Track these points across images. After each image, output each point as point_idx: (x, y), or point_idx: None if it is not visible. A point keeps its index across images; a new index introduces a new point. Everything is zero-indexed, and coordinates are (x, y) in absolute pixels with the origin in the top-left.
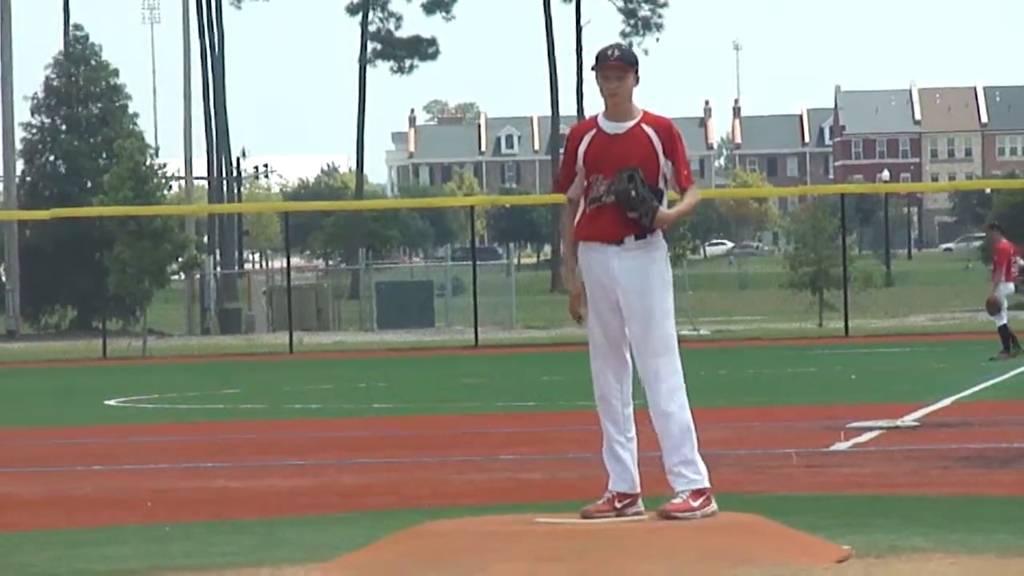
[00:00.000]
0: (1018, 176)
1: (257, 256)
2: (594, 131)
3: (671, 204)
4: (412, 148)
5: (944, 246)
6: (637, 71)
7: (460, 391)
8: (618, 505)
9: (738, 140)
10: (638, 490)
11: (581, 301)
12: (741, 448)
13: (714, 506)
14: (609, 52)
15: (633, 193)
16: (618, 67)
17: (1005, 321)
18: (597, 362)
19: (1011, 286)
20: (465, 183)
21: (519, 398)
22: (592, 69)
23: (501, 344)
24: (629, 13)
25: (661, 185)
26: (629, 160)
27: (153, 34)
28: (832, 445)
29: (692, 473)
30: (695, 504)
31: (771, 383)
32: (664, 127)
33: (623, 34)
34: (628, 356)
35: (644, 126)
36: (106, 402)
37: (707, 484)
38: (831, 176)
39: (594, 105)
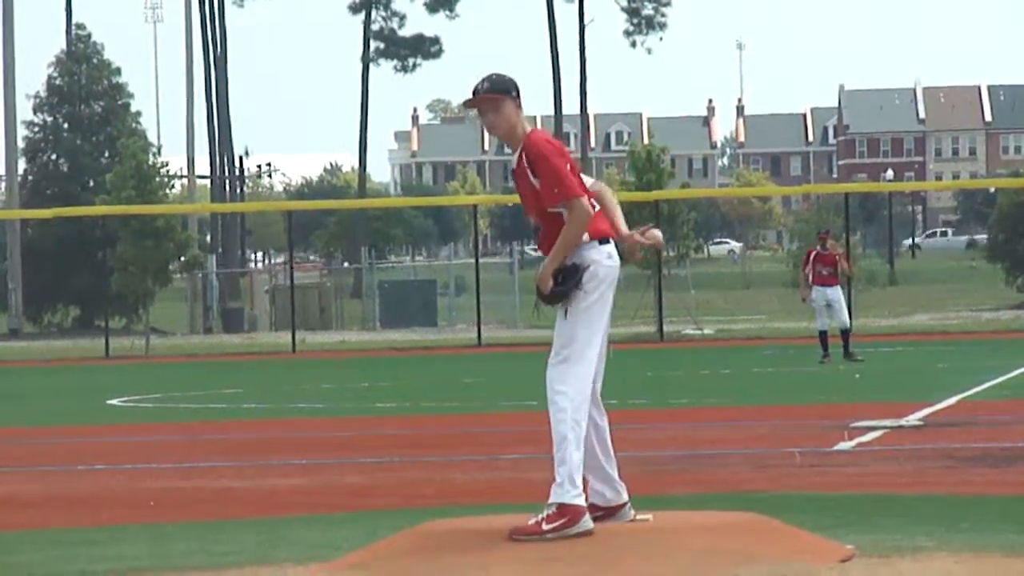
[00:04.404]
0: (1022, 175)
1: (260, 255)
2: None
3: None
4: (415, 147)
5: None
6: (511, 95)
7: (463, 390)
8: (595, 515)
9: (741, 139)
10: (615, 502)
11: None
12: (744, 447)
13: (579, 527)
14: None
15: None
16: (478, 101)
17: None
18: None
19: (827, 291)
20: (468, 182)
21: (522, 397)
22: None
23: (504, 343)
24: (632, 12)
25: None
26: (520, 194)
27: (156, 33)
28: (836, 444)
29: (555, 488)
30: (546, 528)
31: (774, 382)
32: (529, 146)
33: (627, 33)
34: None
35: (521, 151)
36: (108, 401)
37: (570, 501)
38: (835, 175)
39: (597, 104)
